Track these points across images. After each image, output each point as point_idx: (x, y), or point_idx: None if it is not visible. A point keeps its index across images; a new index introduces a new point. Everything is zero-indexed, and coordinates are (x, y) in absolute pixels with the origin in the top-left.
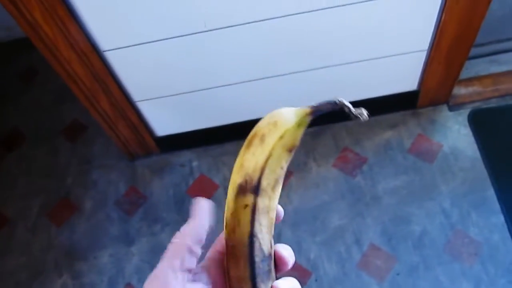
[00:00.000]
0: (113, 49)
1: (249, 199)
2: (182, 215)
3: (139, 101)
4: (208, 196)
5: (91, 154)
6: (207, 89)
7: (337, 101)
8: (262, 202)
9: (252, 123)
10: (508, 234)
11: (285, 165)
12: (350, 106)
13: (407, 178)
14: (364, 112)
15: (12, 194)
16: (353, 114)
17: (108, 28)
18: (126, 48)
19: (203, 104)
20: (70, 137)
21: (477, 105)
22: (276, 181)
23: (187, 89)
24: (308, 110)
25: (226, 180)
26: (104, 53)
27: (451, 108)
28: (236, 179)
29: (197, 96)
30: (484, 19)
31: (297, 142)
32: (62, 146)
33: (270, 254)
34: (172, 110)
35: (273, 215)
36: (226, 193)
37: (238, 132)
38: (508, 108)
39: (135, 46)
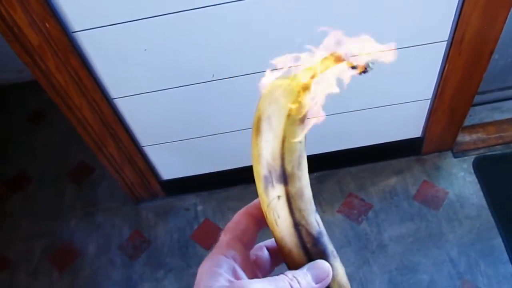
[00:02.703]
0: (122, 97)
1: (279, 189)
2: (186, 260)
3: (146, 145)
4: (213, 242)
5: (96, 196)
6: (213, 135)
7: (335, 56)
8: (293, 187)
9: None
10: None
11: (303, 137)
12: (351, 59)
13: (413, 226)
14: (370, 62)
15: (16, 236)
16: (356, 68)
17: (118, 77)
18: (135, 96)
19: (208, 149)
20: (76, 179)
21: (481, 152)
22: (300, 157)
23: (193, 135)
24: (307, 74)
25: None
26: (114, 100)
27: (455, 155)
28: (259, 170)
29: (203, 142)
30: (487, 68)
31: (307, 108)
32: (67, 188)
33: (319, 233)
34: (178, 154)
35: (309, 191)
36: None
37: (243, 177)
38: None
39: (144, 94)
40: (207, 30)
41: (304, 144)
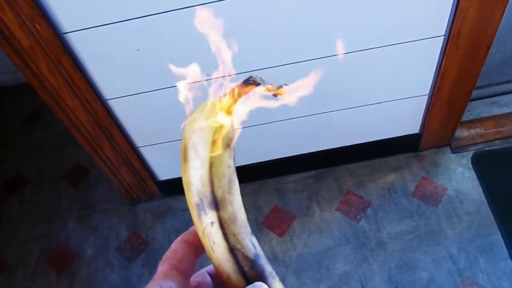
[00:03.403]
0: (116, 98)
1: (212, 216)
2: None
3: (141, 146)
4: None
5: (93, 198)
6: None
7: (251, 81)
8: (225, 213)
9: (255, 168)
10: None
11: (231, 162)
12: (267, 83)
13: (412, 223)
14: (284, 85)
15: (13, 239)
16: (270, 91)
17: (112, 78)
18: (129, 96)
19: None
20: (72, 181)
21: (480, 147)
22: (230, 182)
23: None
24: (229, 100)
25: None
26: (108, 101)
27: (454, 151)
28: (190, 197)
29: None
30: (484, 63)
31: (233, 132)
32: (64, 190)
33: (256, 255)
34: (174, 154)
35: (242, 213)
36: None
37: (239, 176)
38: (511, 150)
39: (138, 95)
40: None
41: (234, 168)
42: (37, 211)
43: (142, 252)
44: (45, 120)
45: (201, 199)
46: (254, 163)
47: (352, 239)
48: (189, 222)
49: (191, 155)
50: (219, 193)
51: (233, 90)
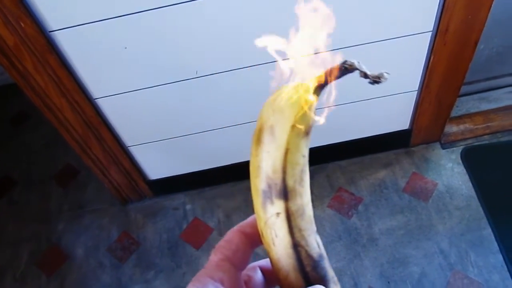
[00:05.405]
0: (104, 97)
1: (279, 206)
2: (176, 261)
3: (131, 146)
4: (203, 240)
5: (83, 198)
6: (199, 132)
7: (346, 65)
8: (294, 204)
9: (245, 165)
10: (507, 274)
11: (306, 151)
12: (365, 69)
13: (403, 218)
14: (385, 73)
15: (2, 241)
16: (370, 78)
17: (99, 77)
18: (117, 95)
19: (195, 147)
20: (62, 181)
21: (469, 142)
22: (302, 172)
23: (179, 133)
24: (314, 84)
25: (221, 223)
26: (96, 100)
27: (443, 146)
28: (257, 183)
29: (190, 140)
30: (472, 59)
31: (313, 120)
32: (53, 191)
33: (320, 256)
34: (164, 153)
35: (310, 209)
36: (221, 237)
37: (231, 174)
38: (500, 145)
39: (127, 93)
40: (188, 26)
41: (307, 159)
42: (26, 213)
43: (134, 252)
44: (34, 121)
45: (270, 186)
46: (245, 161)
47: (344, 235)
48: (180, 222)
49: (266, 138)
50: (290, 183)
51: (324, 73)
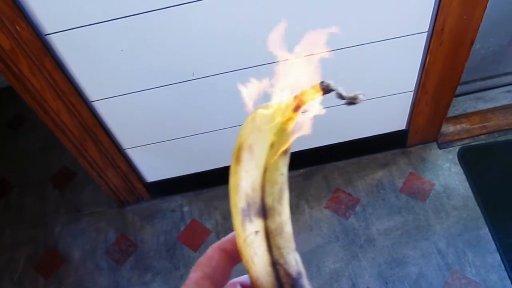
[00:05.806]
0: (101, 99)
1: (258, 224)
2: (174, 263)
3: (128, 148)
4: (200, 242)
5: (80, 201)
6: (196, 134)
7: (323, 86)
8: (273, 222)
9: None
10: (505, 274)
11: (285, 170)
12: (341, 90)
13: (401, 218)
14: (360, 95)
15: None
16: (345, 98)
17: (96, 79)
18: (114, 98)
19: (192, 149)
20: (59, 184)
21: (466, 142)
22: (281, 191)
23: (176, 135)
24: (292, 104)
25: (219, 225)
26: (92, 103)
27: (440, 146)
28: (236, 201)
29: (187, 142)
30: (468, 58)
31: (291, 140)
32: (50, 194)
33: (299, 273)
34: (161, 156)
35: (289, 227)
36: (219, 239)
37: (226, 176)
38: (497, 145)
39: (123, 96)
40: (185, 28)
41: (286, 177)
42: (23, 216)
43: (131, 255)
44: (30, 124)
45: (249, 205)
46: None
47: (341, 236)
48: (178, 224)
49: (245, 156)
50: (269, 201)
51: (301, 93)
